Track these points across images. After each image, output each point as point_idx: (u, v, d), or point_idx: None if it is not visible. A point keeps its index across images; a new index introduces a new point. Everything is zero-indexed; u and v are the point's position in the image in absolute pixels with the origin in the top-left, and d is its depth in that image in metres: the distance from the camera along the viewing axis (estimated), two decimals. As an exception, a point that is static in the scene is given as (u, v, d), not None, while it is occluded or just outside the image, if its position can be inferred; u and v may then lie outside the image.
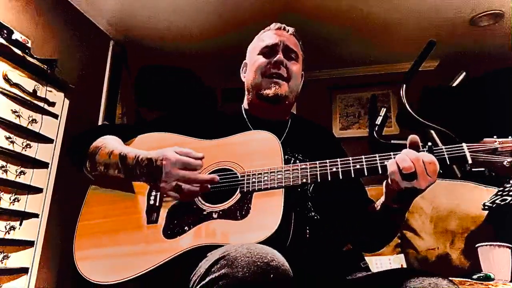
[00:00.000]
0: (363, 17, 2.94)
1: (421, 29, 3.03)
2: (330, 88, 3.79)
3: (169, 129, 1.19)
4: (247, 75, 1.30)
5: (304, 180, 0.97)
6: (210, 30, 3.18)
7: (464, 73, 2.36)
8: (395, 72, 3.55)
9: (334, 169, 0.95)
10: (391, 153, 0.94)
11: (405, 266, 2.03)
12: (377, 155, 0.95)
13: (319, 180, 0.96)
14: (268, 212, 0.93)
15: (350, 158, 0.96)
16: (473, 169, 0.93)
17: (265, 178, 0.98)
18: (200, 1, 2.83)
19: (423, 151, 0.93)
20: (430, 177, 0.89)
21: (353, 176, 0.95)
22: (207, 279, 0.75)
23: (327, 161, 0.98)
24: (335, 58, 3.49)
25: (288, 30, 1.31)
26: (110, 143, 1.11)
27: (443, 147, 0.94)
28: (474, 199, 2.04)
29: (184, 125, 1.20)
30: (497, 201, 1.88)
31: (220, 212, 0.97)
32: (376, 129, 2.32)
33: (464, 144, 0.93)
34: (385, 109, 2.42)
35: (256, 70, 1.24)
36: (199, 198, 1.01)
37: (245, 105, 1.32)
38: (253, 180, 0.99)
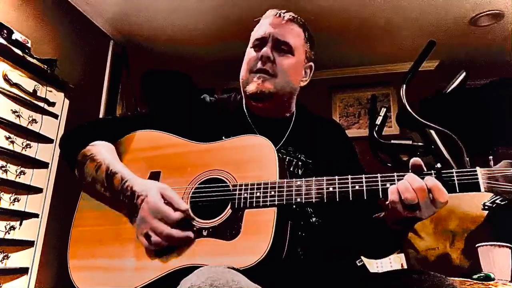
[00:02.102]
0: (363, 17, 2.94)
1: (421, 29, 3.03)
2: (330, 88, 3.79)
3: (167, 124, 1.13)
4: (241, 71, 1.19)
5: (298, 200, 0.91)
6: (209, 30, 3.18)
7: (464, 73, 2.35)
8: (395, 72, 3.56)
9: (331, 189, 0.90)
10: (395, 174, 0.87)
11: (405, 266, 2.04)
12: (379, 175, 0.88)
13: (313, 201, 0.91)
14: (258, 234, 0.88)
15: (349, 177, 0.90)
16: None
17: (258, 194, 0.93)
18: (199, 2, 2.83)
19: (431, 173, 0.83)
20: (435, 208, 0.82)
21: (351, 199, 0.88)
22: None
23: (324, 178, 0.91)
24: (335, 58, 3.49)
25: (284, 16, 1.15)
26: (98, 153, 1.05)
27: (454, 170, 0.83)
28: (474, 199, 2.04)
29: (182, 121, 1.15)
30: (497, 201, 1.88)
31: (210, 230, 0.93)
32: (376, 129, 2.32)
33: (478, 169, 0.81)
34: (385, 109, 2.41)
35: (245, 65, 1.15)
36: (191, 214, 0.97)
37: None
38: (245, 195, 0.94)
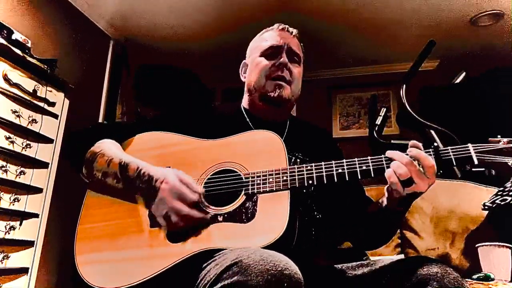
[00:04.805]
0: (364, 17, 2.94)
1: (421, 29, 3.03)
2: (330, 88, 3.79)
3: (169, 128, 1.16)
4: (249, 76, 1.29)
5: (310, 182, 0.96)
6: (209, 30, 3.18)
7: (464, 73, 2.35)
8: (395, 72, 3.56)
9: (340, 170, 0.95)
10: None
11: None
12: (382, 156, 0.95)
13: (325, 182, 0.95)
14: (274, 215, 0.92)
15: (356, 160, 0.96)
16: (473, 169, 0.93)
17: (270, 179, 0.97)
18: (199, 2, 2.83)
19: (429, 151, 0.92)
20: (428, 178, 0.89)
21: (360, 177, 0.94)
22: (218, 285, 0.74)
23: (333, 162, 0.97)
24: (335, 58, 3.49)
25: (292, 32, 1.29)
26: (108, 149, 1.08)
27: (449, 148, 0.93)
28: (474, 199, 2.04)
29: (184, 124, 1.19)
30: (497, 201, 1.88)
31: (225, 215, 0.95)
32: (376, 129, 2.32)
33: (470, 145, 0.92)
34: (385, 109, 2.41)
35: (260, 71, 1.22)
36: (203, 200, 0.99)
37: (244, 104, 1.31)
38: (258, 181, 0.98)
